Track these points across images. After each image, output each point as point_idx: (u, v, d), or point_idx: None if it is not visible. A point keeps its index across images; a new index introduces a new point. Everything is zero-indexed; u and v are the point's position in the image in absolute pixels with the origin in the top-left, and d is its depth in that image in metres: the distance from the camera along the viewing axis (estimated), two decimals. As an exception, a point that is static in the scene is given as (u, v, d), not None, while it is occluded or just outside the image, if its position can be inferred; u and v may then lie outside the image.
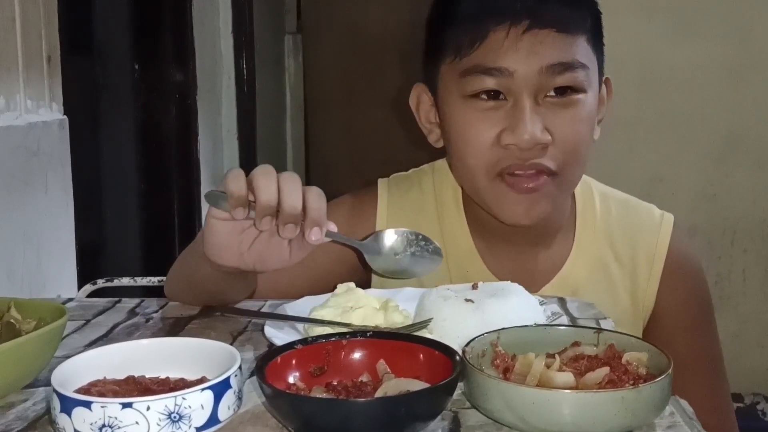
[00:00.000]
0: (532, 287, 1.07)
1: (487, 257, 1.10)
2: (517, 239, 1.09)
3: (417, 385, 0.64)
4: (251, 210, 0.81)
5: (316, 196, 0.82)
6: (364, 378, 0.69)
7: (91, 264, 1.89)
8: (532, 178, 0.98)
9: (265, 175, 0.81)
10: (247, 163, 3.04)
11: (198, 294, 0.99)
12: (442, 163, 1.16)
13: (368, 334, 0.72)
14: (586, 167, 1.06)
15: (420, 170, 1.19)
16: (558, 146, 0.98)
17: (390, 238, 0.90)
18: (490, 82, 0.97)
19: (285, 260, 0.88)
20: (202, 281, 0.96)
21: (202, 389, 0.59)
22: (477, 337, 0.71)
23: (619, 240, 1.12)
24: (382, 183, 1.17)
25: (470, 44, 0.98)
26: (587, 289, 1.09)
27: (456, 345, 0.70)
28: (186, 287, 1.01)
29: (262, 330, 0.84)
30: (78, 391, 0.62)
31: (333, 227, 0.84)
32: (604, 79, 1.07)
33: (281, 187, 0.81)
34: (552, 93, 0.97)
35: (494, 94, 0.98)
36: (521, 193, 0.99)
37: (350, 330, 0.78)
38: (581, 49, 0.98)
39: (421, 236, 0.90)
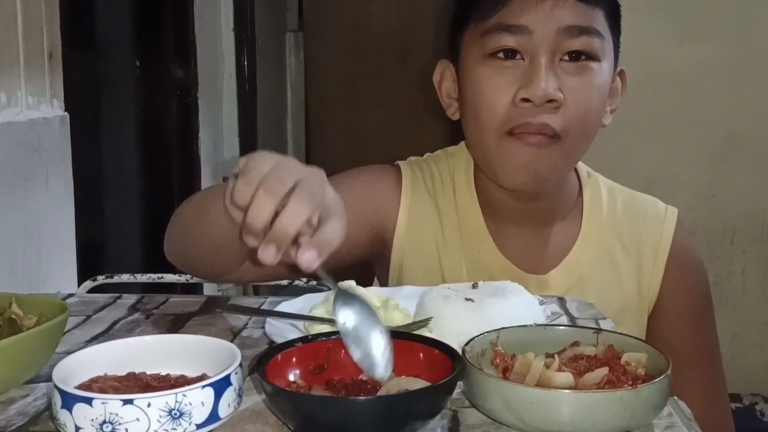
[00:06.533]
0: (540, 270, 1.11)
1: (497, 238, 1.13)
2: (526, 221, 1.12)
3: (416, 383, 0.65)
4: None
5: (337, 227, 0.71)
6: (364, 376, 0.69)
7: (91, 260, 1.89)
8: (537, 134, 1.02)
9: (267, 194, 0.69)
10: (248, 161, 3.04)
11: (201, 242, 0.96)
12: (454, 149, 1.20)
13: (368, 332, 0.72)
14: (591, 140, 1.08)
15: (434, 155, 1.22)
16: (568, 108, 1.01)
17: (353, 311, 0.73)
18: (509, 40, 1.02)
19: None
20: (212, 226, 0.90)
21: (203, 386, 0.59)
22: (477, 336, 0.71)
23: (626, 230, 1.15)
24: (403, 164, 1.20)
25: (494, 5, 1.03)
26: (594, 275, 1.11)
27: (456, 344, 0.70)
28: (193, 228, 0.97)
29: (263, 327, 0.84)
30: (79, 387, 0.62)
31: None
32: (618, 70, 1.10)
33: (287, 206, 0.69)
34: (567, 57, 1.01)
35: (512, 54, 1.02)
36: (526, 146, 1.02)
37: (350, 328, 0.78)
38: (599, 20, 1.03)
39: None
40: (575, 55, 1.01)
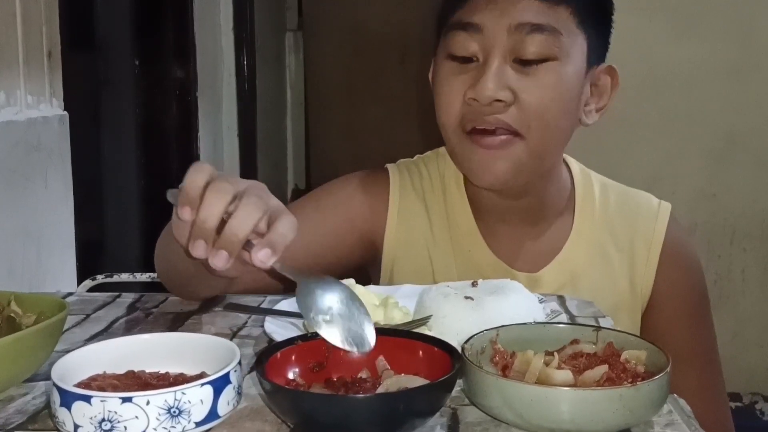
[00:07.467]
0: (532, 267, 1.11)
1: (488, 237, 1.12)
2: (515, 220, 1.12)
3: (416, 381, 0.65)
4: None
5: (289, 224, 0.72)
6: (364, 374, 0.69)
7: (90, 259, 1.89)
8: (495, 134, 1.01)
9: (217, 192, 0.70)
10: (248, 160, 3.05)
11: (173, 274, 0.98)
12: (445, 149, 1.19)
13: (368, 330, 0.72)
14: (561, 139, 1.06)
15: (425, 156, 1.22)
16: (522, 107, 1.00)
17: (330, 299, 0.72)
18: (465, 38, 1.02)
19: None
20: (175, 260, 0.92)
21: (202, 384, 0.59)
22: (476, 334, 0.71)
23: (618, 226, 1.14)
24: (391, 167, 1.20)
25: (454, 4, 1.04)
26: (586, 272, 1.11)
27: (455, 342, 0.70)
28: (164, 264, 0.99)
29: (262, 326, 0.84)
30: (78, 385, 0.62)
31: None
32: (606, 67, 1.08)
33: (237, 208, 0.70)
34: (522, 56, 1.00)
35: (468, 59, 1.02)
36: (484, 148, 1.02)
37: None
38: (559, 18, 1.00)
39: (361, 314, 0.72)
40: (531, 54, 0.99)
